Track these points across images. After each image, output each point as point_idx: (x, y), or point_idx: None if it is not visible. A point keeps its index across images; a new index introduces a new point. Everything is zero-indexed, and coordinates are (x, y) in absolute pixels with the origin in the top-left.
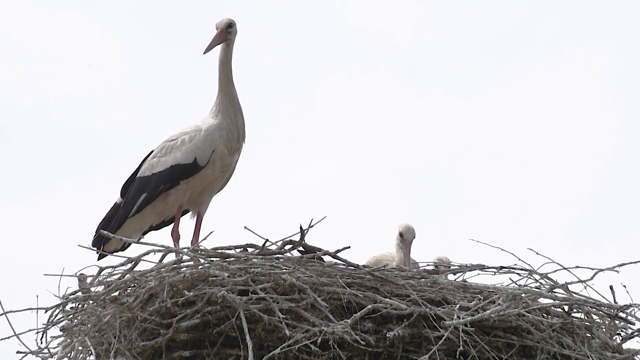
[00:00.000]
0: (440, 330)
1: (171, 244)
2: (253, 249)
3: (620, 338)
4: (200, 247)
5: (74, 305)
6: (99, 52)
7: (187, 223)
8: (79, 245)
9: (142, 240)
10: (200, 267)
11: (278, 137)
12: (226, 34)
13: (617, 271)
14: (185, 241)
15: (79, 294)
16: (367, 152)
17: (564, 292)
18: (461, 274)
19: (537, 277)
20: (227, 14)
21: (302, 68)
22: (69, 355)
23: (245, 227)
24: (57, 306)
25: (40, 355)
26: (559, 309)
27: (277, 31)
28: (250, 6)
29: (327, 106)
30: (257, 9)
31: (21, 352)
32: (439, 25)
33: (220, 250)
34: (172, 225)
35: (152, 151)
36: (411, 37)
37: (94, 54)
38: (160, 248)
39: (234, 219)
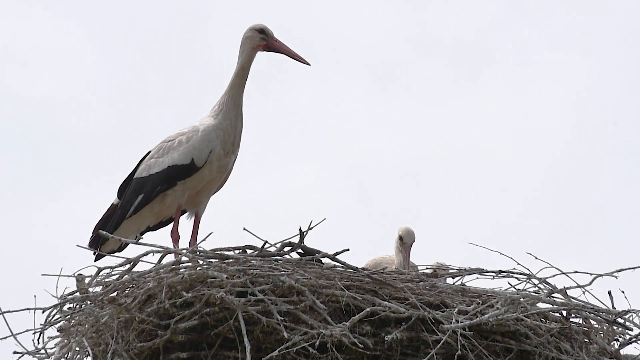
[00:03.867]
0: (439, 334)
1: (170, 244)
2: (252, 251)
3: (618, 344)
4: (199, 248)
5: (71, 305)
6: (93, 55)
7: (184, 224)
8: (77, 246)
9: (140, 241)
10: (198, 268)
11: (260, 142)
12: (260, 39)
13: (615, 277)
14: (184, 242)
15: (77, 294)
16: (358, 157)
17: (563, 297)
18: (460, 277)
19: (536, 281)
20: (204, 15)
21: (273, 71)
22: (66, 355)
23: (244, 229)
24: (54, 306)
25: (37, 355)
26: (557, 314)
27: None
28: (222, 8)
29: (301, 110)
30: (229, 11)
31: (18, 353)
32: (409, 30)
33: (219, 252)
34: (170, 225)
35: (150, 152)
36: (382, 41)
37: (88, 58)
38: (159, 249)
39: (233, 220)
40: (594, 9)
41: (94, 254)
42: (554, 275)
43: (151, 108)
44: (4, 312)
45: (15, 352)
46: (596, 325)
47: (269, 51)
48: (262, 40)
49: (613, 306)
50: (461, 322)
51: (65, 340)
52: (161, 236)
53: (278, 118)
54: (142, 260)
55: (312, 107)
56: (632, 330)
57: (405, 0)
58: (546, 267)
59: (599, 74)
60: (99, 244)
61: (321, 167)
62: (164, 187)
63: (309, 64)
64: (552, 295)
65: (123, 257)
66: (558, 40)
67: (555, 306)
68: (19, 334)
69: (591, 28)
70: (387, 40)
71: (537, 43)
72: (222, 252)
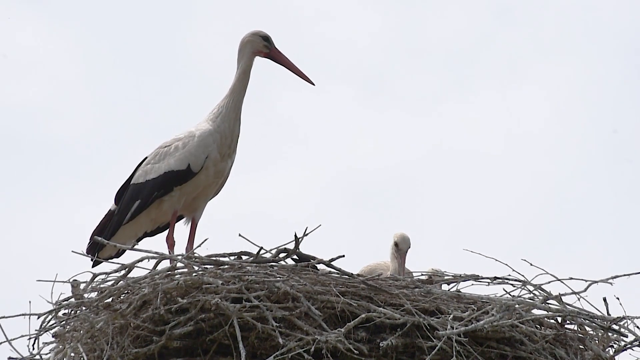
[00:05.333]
0: (434, 340)
1: (166, 250)
2: (247, 257)
3: (613, 350)
4: (195, 255)
5: (66, 311)
6: (86, 60)
7: (181, 229)
8: (72, 252)
9: (136, 246)
10: (194, 274)
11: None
12: (264, 46)
13: (610, 283)
14: (180, 247)
15: (72, 300)
16: (353, 163)
17: (558, 304)
18: (455, 284)
19: (531, 288)
20: (196, 21)
21: (263, 79)
22: None
23: (239, 235)
24: (49, 312)
25: None
26: (552, 321)
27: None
28: (210, 17)
29: (294, 116)
30: (217, 20)
31: (13, 358)
32: (399, 38)
33: (214, 258)
34: (166, 231)
35: (146, 157)
36: (371, 49)
37: (80, 63)
38: (155, 255)
39: (228, 226)
40: (590, 16)
41: (91, 260)
42: (549, 282)
43: (148, 113)
44: None
45: (10, 358)
46: (591, 332)
47: (269, 59)
48: (265, 47)
49: (608, 313)
50: (456, 329)
51: (60, 346)
52: (157, 242)
53: (272, 124)
54: (137, 266)
55: (306, 112)
56: (627, 336)
57: (397, 9)
58: (541, 274)
59: (599, 82)
60: (96, 250)
61: (316, 173)
62: (161, 193)
63: (313, 84)
64: (547, 301)
65: (118, 263)
66: (555, 48)
67: (550, 313)
68: (14, 339)
69: (588, 35)
70: (379, 48)
71: (532, 51)
72: (218, 258)
